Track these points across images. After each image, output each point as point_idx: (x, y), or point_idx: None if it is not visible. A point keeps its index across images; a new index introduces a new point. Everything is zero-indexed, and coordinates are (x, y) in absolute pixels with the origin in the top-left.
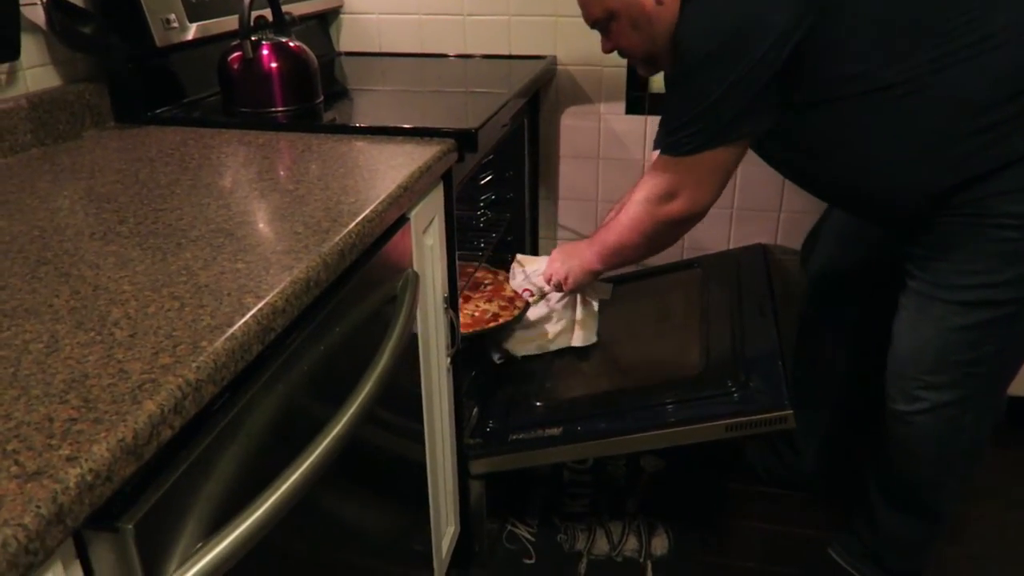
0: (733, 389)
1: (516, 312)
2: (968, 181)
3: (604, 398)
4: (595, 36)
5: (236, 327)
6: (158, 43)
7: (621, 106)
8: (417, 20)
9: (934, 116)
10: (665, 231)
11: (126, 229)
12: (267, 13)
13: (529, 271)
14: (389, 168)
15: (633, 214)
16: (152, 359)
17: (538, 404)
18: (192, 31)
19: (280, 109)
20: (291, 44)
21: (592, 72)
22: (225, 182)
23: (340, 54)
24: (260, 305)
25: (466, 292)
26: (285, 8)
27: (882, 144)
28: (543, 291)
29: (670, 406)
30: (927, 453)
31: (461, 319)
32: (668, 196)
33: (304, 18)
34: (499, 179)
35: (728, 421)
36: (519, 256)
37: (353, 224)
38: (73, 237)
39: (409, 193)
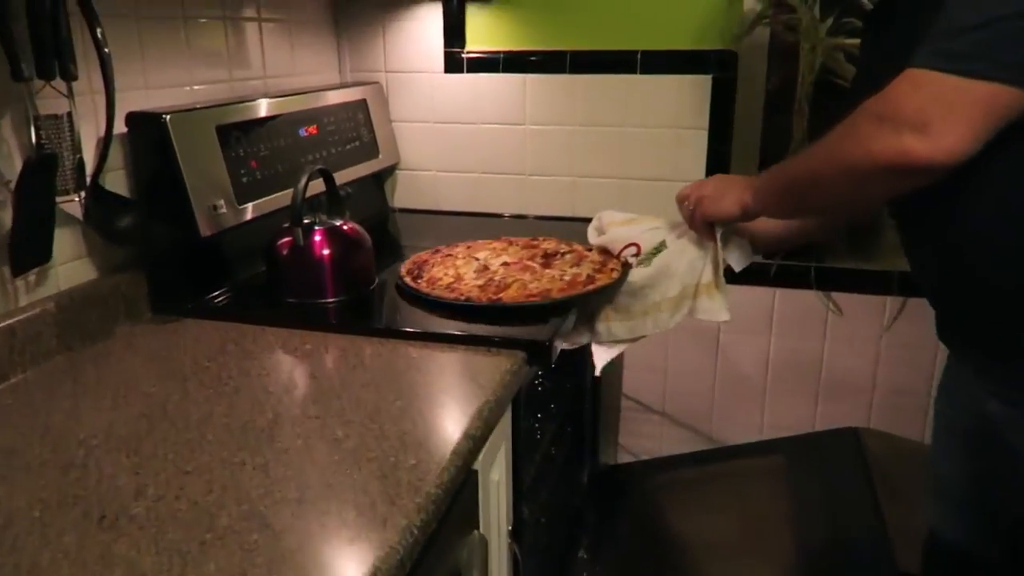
0: None
1: (615, 274)
2: None
3: None
4: (662, 198)
5: None
6: (203, 232)
7: None
8: (474, 179)
9: None
10: (879, 174)
11: (142, 510)
12: (319, 184)
13: (622, 232)
14: (451, 398)
15: (844, 132)
16: None
17: None
18: (242, 214)
19: (331, 300)
20: (345, 227)
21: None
22: (264, 419)
23: (394, 210)
24: None
25: (528, 262)
26: (345, 173)
27: None
28: (657, 247)
29: None
30: None
31: (541, 285)
32: (909, 122)
33: (361, 180)
34: None
35: None
36: (605, 213)
37: (414, 508)
38: (78, 523)
39: (477, 441)
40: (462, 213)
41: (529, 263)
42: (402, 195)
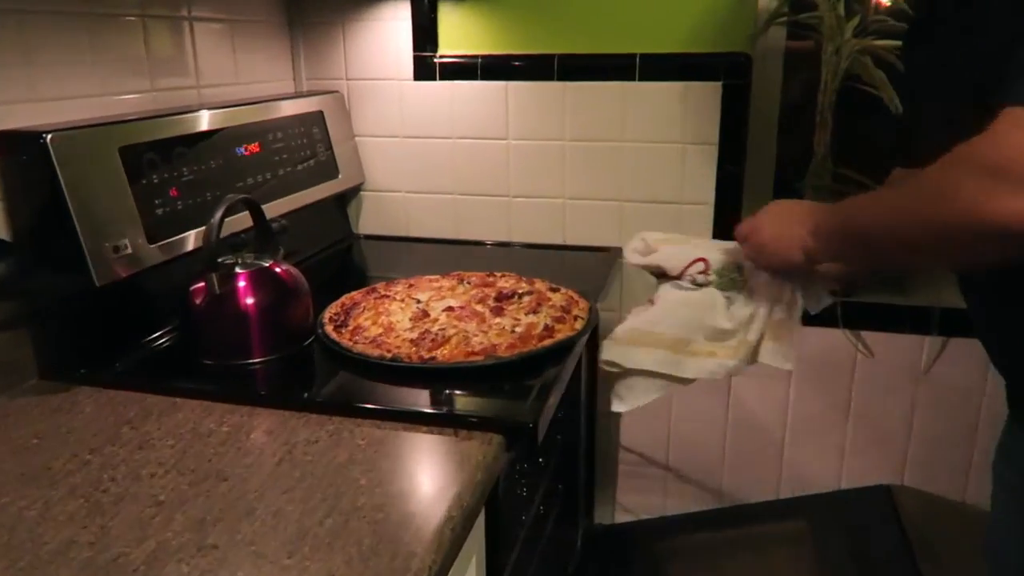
0: None
1: (579, 324)
2: None
3: None
4: (665, 224)
5: None
6: (100, 281)
7: None
8: (451, 201)
9: None
10: (992, 239)
11: None
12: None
13: (682, 250)
14: (403, 514)
15: (937, 186)
16: None
17: None
18: (152, 255)
19: (257, 361)
20: (277, 269)
21: None
22: (143, 551)
23: (359, 237)
24: None
25: (476, 307)
26: (295, 197)
27: None
28: (729, 270)
29: None
30: None
31: (486, 339)
32: (1006, 173)
33: (318, 204)
34: None
35: None
36: (647, 233)
37: None
38: None
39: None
40: (438, 240)
41: (478, 308)
42: (368, 220)
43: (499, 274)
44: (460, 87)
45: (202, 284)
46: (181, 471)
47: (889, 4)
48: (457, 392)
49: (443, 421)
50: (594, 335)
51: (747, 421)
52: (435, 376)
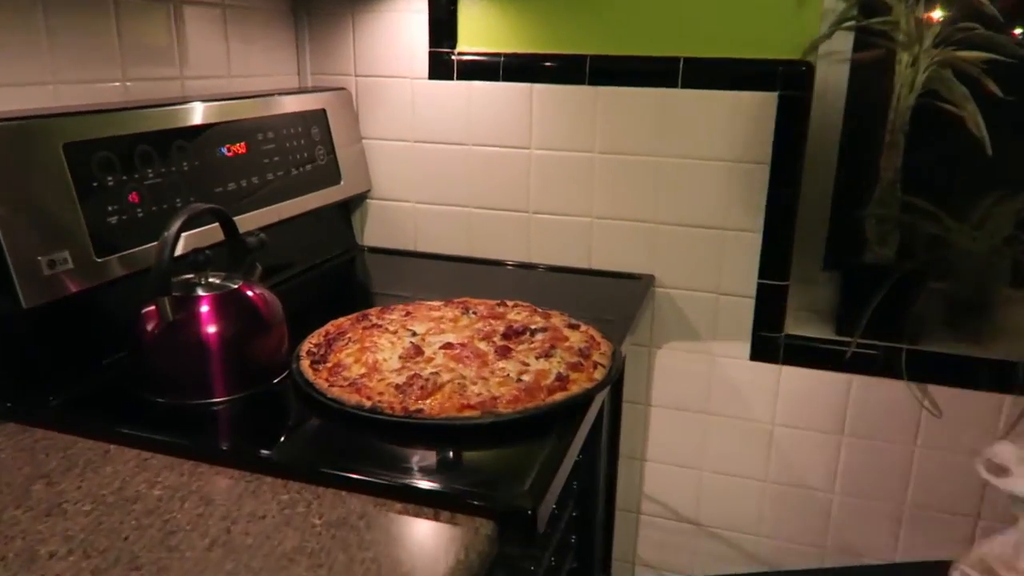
0: None
1: (598, 373)
2: None
3: None
4: (706, 253)
5: None
6: (27, 302)
7: (744, 348)
8: (465, 214)
9: None
10: None
11: None
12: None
13: None
14: None
15: None
16: None
17: None
18: (100, 272)
19: (218, 401)
20: (249, 293)
21: (705, 301)
22: None
23: (363, 249)
24: None
25: (479, 345)
26: (290, 205)
27: None
28: None
29: None
30: None
31: (486, 388)
32: None
33: (317, 212)
34: None
35: None
36: (998, 446)
37: None
38: None
39: None
40: (448, 257)
41: (481, 346)
42: (374, 231)
43: (511, 303)
44: (480, 88)
45: (153, 308)
46: (88, 552)
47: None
48: (444, 456)
49: (422, 498)
50: (619, 382)
51: (791, 477)
52: (420, 433)
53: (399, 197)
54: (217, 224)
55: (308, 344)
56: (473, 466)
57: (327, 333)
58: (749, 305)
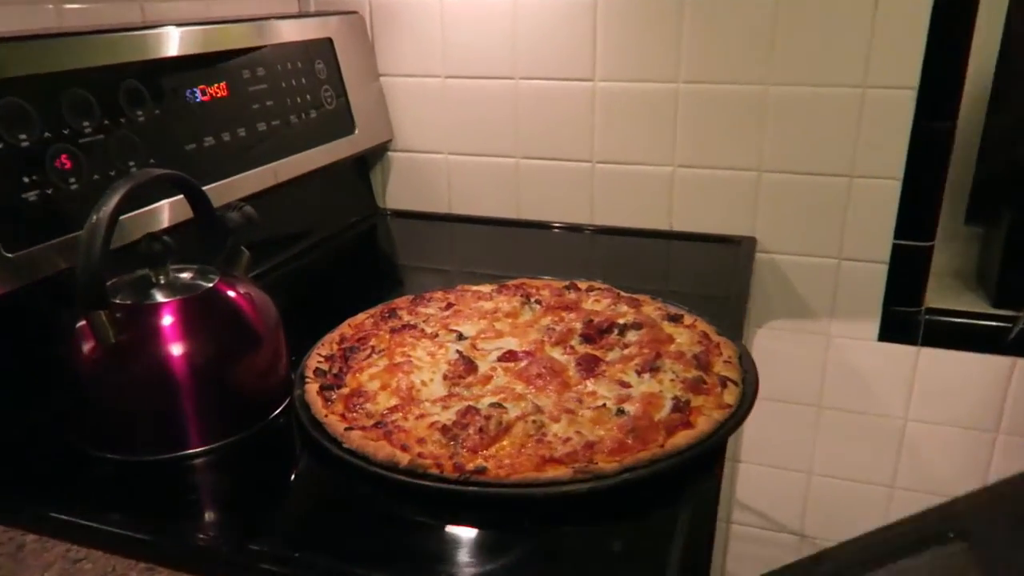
0: None
1: (729, 395)
2: None
3: None
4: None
5: None
6: None
7: (871, 327)
8: (512, 167)
9: None
10: None
11: None
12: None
13: None
14: None
15: None
16: None
17: None
18: (11, 273)
19: (189, 454)
20: (231, 294)
21: (821, 269)
22: None
23: (386, 214)
24: None
25: (552, 354)
26: (288, 163)
27: None
28: None
29: None
30: None
31: (577, 430)
32: None
33: (325, 171)
34: None
35: None
36: None
37: None
38: None
39: None
40: (491, 221)
41: (556, 356)
42: (398, 191)
43: (583, 285)
44: (528, 4)
45: (85, 325)
46: None
47: None
48: (513, 552)
49: None
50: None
51: (927, 483)
52: (480, 507)
53: (428, 148)
54: (183, 196)
55: (316, 357)
56: (567, 556)
57: (342, 339)
58: (880, 273)
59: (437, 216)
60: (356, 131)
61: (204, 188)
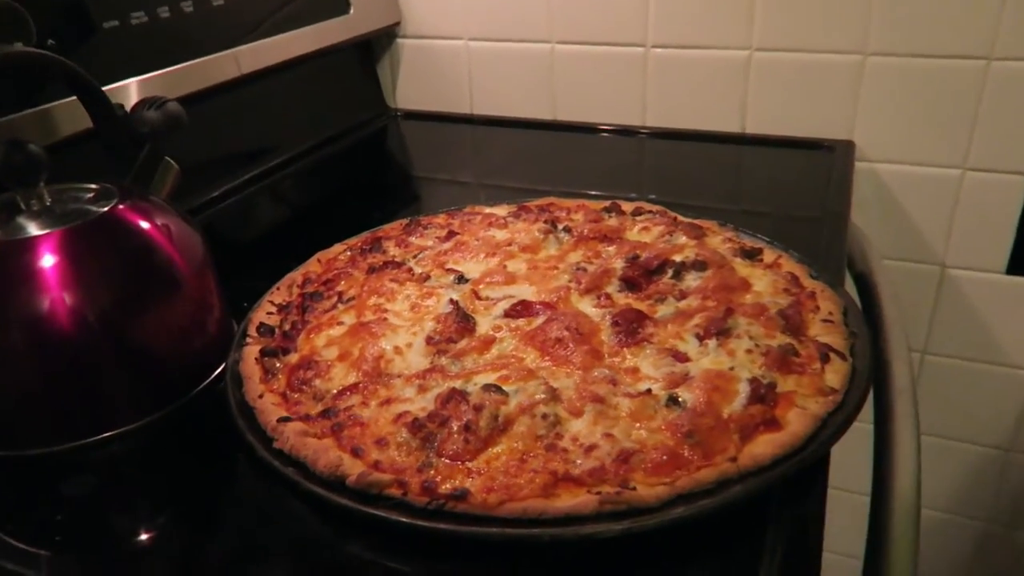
0: None
1: (834, 373)
2: None
3: None
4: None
5: None
6: None
7: (998, 257)
8: (546, 54)
9: None
10: None
11: None
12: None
13: None
14: None
15: None
16: None
17: None
18: None
19: (72, 446)
20: (137, 220)
21: (937, 182)
22: None
23: (395, 114)
24: None
25: (583, 305)
26: (252, 53)
27: None
28: None
29: None
30: None
31: (596, 424)
32: None
33: (316, 61)
34: None
35: None
36: None
37: None
38: None
39: None
40: (521, 123)
41: (587, 310)
42: (410, 86)
43: (627, 207)
44: None
45: None
46: None
47: None
48: None
49: None
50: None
51: None
52: (458, 550)
53: (445, 33)
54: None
55: (266, 307)
56: None
57: (305, 280)
58: (1017, 187)
59: (457, 117)
60: (351, 10)
61: (133, 82)
